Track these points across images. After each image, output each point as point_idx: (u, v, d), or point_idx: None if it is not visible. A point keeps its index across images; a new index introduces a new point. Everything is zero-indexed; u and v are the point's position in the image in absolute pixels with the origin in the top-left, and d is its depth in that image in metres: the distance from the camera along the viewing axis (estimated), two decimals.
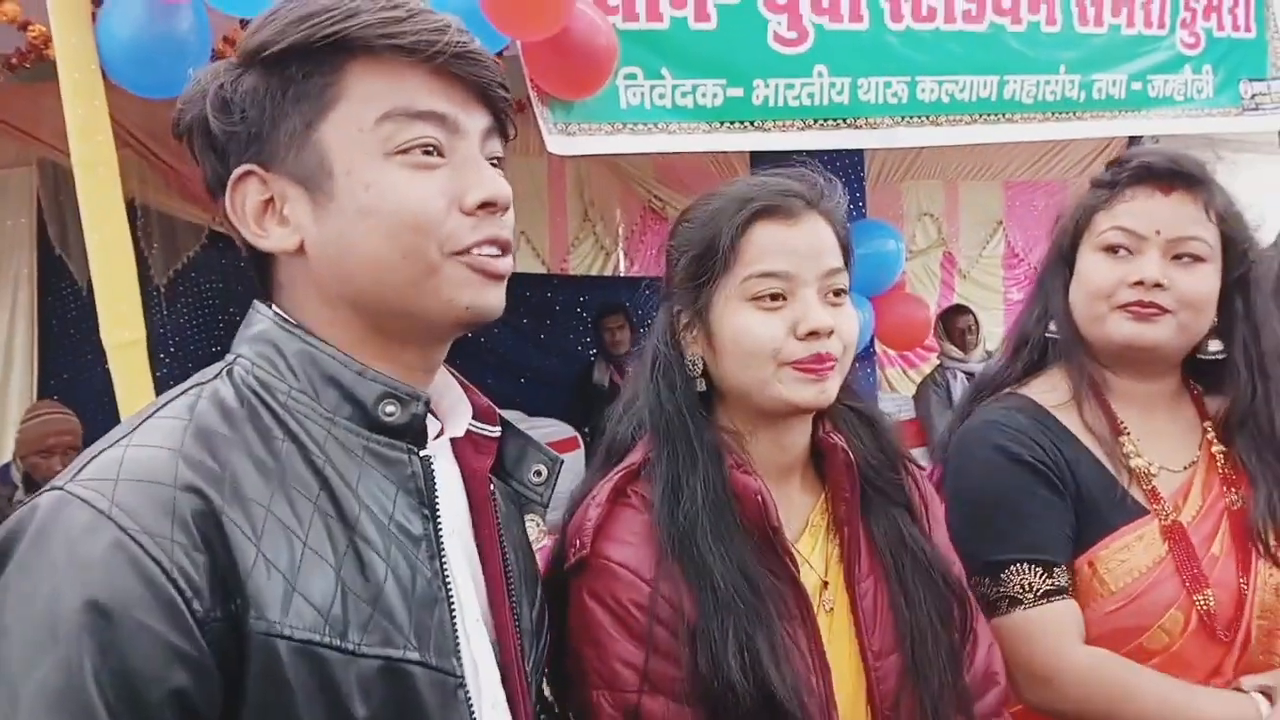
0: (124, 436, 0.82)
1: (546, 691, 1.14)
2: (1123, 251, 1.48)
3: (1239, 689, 1.41)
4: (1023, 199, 7.10)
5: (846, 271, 1.24)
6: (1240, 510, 1.48)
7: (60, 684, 0.71)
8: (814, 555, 1.24)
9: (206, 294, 5.18)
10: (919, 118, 3.50)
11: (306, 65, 0.87)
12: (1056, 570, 1.44)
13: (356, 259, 0.88)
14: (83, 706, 0.71)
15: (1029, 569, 1.44)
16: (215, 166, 0.91)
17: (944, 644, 1.22)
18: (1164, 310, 1.45)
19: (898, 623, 1.22)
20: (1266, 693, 1.39)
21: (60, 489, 0.78)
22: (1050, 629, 1.42)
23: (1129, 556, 1.44)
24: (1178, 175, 1.48)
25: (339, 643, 0.80)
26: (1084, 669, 1.41)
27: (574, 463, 1.37)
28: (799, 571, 1.20)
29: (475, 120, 0.91)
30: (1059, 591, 1.44)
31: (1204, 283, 1.47)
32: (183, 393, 0.88)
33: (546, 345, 6.39)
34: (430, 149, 0.88)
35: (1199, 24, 3.92)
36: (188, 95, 0.92)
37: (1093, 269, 1.50)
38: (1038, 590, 1.43)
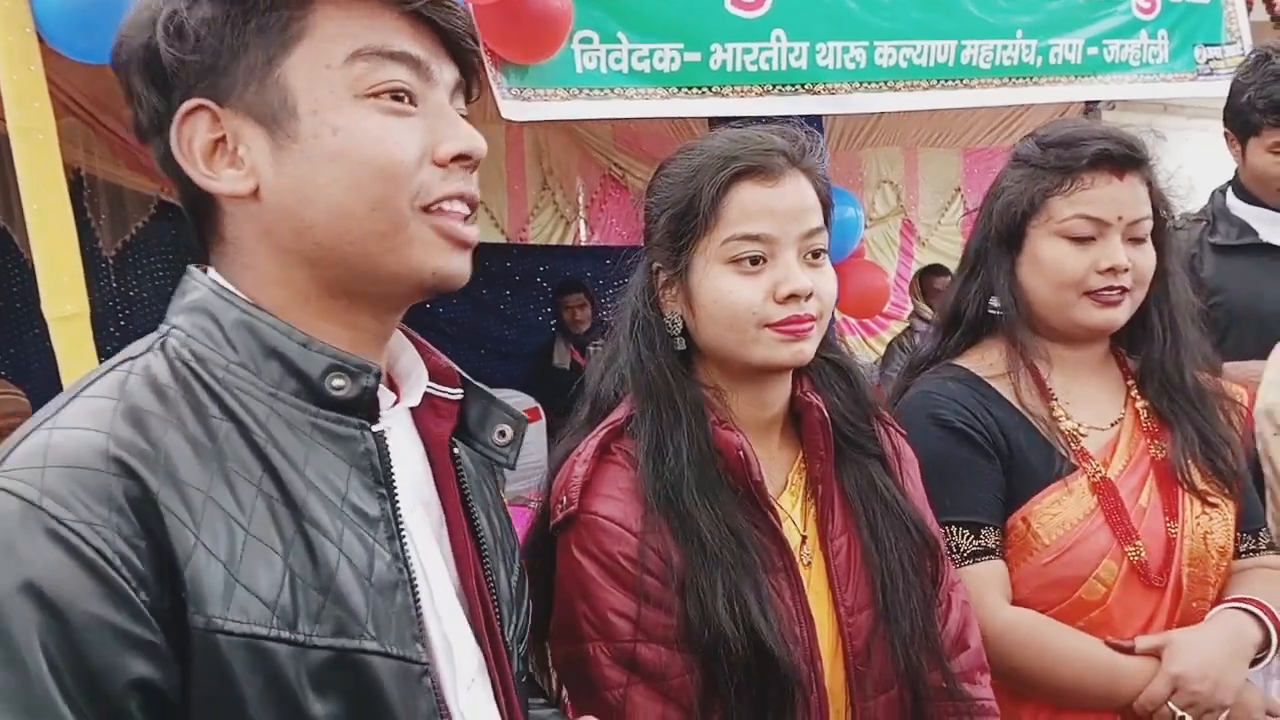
0: (48, 419, 0.77)
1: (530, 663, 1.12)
2: (1086, 239, 1.51)
3: (1131, 650, 1.45)
4: (980, 165, 7.13)
5: (826, 229, 1.24)
6: (1165, 460, 1.55)
7: (17, 684, 0.67)
8: (794, 511, 1.26)
9: (157, 265, 5.07)
10: (877, 83, 3.49)
11: None
12: (984, 532, 1.50)
13: (319, 207, 0.82)
14: (43, 704, 0.67)
15: (957, 531, 1.49)
16: (156, 102, 0.84)
17: (915, 589, 1.25)
18: (1125, 292, 1.52)
19: (870, 577, 1.24)
20: (1156, 653, 1.45)
21: None
22: (977, 588, 1.46)
23: (1060, 510, 1.50)
24: (1131, 160, 1.52)
25: (287, 634, 0.75)
26: (1006, 626, 1.46)
27: (535, 434, 1.37)
28: (781, 525, 1.22)
29: (446, 72, 0.88)
30: (986, 552, 1.49)
31: (1150, 259, 1.55)
32: (112, 369, 0.82)
33: (506, 316, 6.34)
34: (403, 94, 0.84)
35: None
36: (133, 21, 0.84)
37: (1059, 257, 1.52)
38: (965, 551, 1.49)
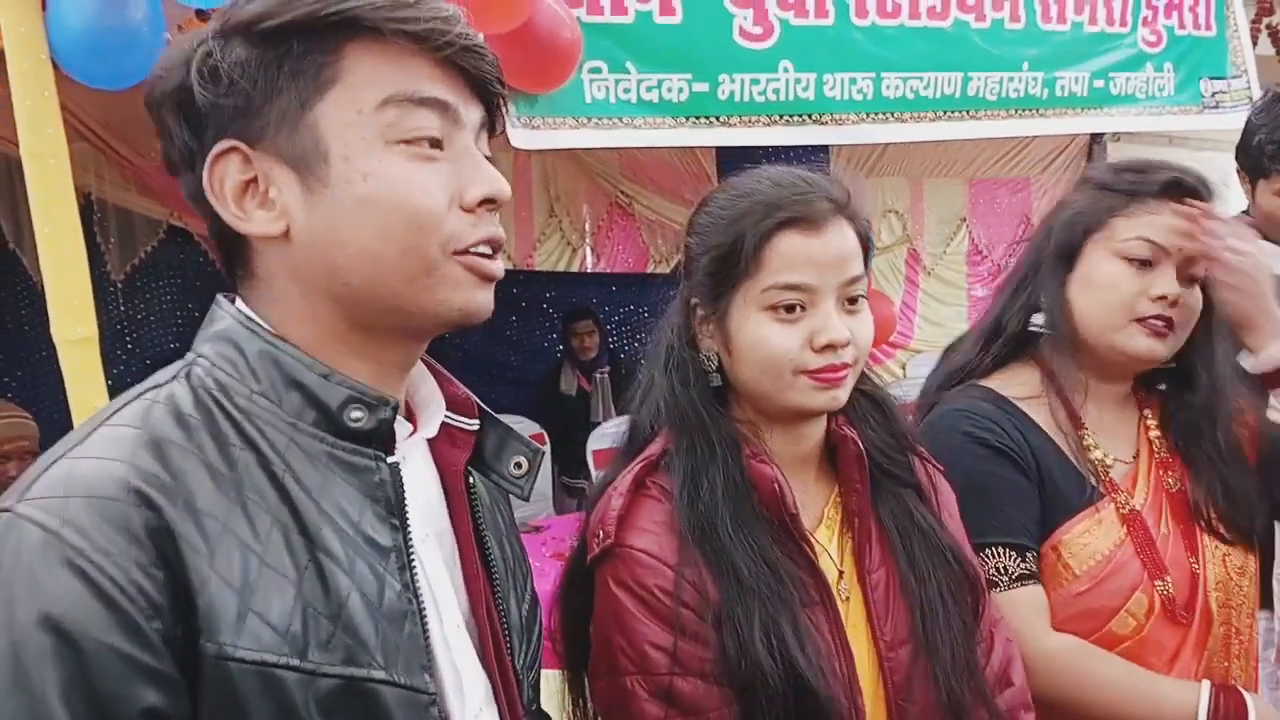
0: (72, 448, 0.78)
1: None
2: (1143, 264, 1.49)
3: None
4: (986, 196, 7.14)
5: (866, 273, 1.24)
6: (1179, 493, 1.53)
7: (28, 711, 0.68)
8: (831, 545, 1.26)
9: (165, 290, 5.09)
10: (884, 114, 3.52)
11: (306, 41, 0.83)
12: (1029, 555, 1.47)
13: (349, 251, 0.83)
14: None
15: (1004, 552, 1.46)
16: (188, 140, 0.85)
17: (955, 618, 1.23)
18: (1172, 329, 1.48)
19: (909, 609, 1.22)
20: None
21: (8, 510, 0.74)
22: (1023, 612, 1.44)
23: (1090, 540, 1.47)
24: (1199, 195, 1.50)
25: (297, 662, 0.76)
26: (1053, 653, 1.43)
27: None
28: (817, 558, 1.21)
29: (472, 114, 0.88)
30: (1030, 576, 1.46)
31: (1199, 302, 1.52)
32: (137, 396, 0.83)
33: (512, 342, 6.34)
34: (431, 140, 0.85)
35: (1160, 22, 3.96)
36: (167, 60, 0.85)
37: (1113, 276, 1.50)
38: (1012, 574, 1.46)
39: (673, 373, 1.26)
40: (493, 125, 0.92)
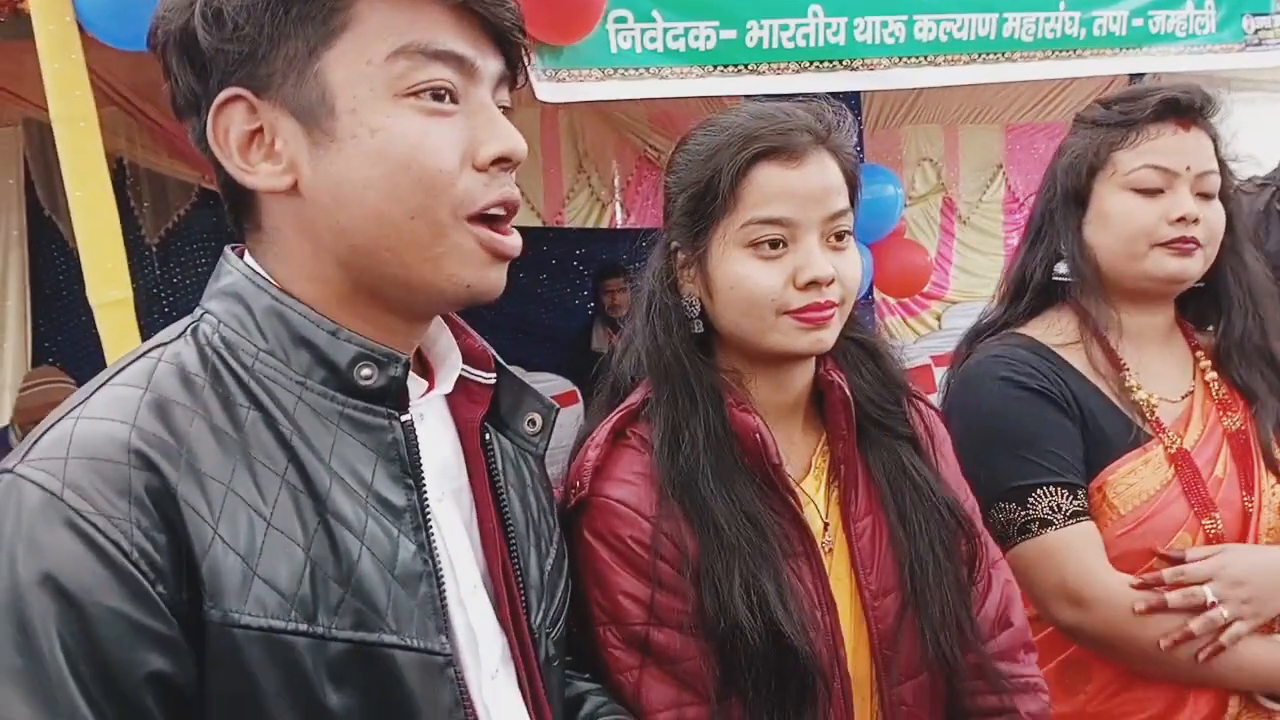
0: (76, 408, 0.76)
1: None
2: (1155, 192, 1.47)
3: (1182, 559, 1.42)
4: (1023, 142, 7.02)
5: (852, 210, 1.19)
6: (1239, 431, 1.52)
7: (33, 674, 0.67)
8: (817, 495, 1.23)
9: (200, 252, 5.13)
10: (917, 58, 3.44)
11: None
12: (1080, 492, 1.46)
13: (355, 211, 0.80)
14: (60, 697, 0.68)
15: (1056, 491, 1.45)
16: (192, 85, 0.81)
17: (947, 573, 1.21)
18: (1198, 245, 1.47)
19: (897, 560, 1.20)
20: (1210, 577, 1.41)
21: (10, 471, 0.72)
22: (1081, 549, 1.43)
23: (1136, 480, 1.46)
24: (1197, 110, 1.49)
25: (305, 627, 0.75)
26: (1115, 589, 1.42)
27: (573, 416, 1.34)
28: (802, 509, 1.18)
29: (490, 65, 0.84)
30: (1084, 513, 1.46)
31: (1220, 216, 1.50)
32: (143, 354, 0.81)
33: (543, 299, 6.34)
34: (444, 93, 0.80)
35: None
36: (171, 1, 0.81)
37: (1128, 209, 1.49)
38: (1066, 511, 1.45)
39: (654, 319, 1.22)
40: (514, 77, 0.88)
